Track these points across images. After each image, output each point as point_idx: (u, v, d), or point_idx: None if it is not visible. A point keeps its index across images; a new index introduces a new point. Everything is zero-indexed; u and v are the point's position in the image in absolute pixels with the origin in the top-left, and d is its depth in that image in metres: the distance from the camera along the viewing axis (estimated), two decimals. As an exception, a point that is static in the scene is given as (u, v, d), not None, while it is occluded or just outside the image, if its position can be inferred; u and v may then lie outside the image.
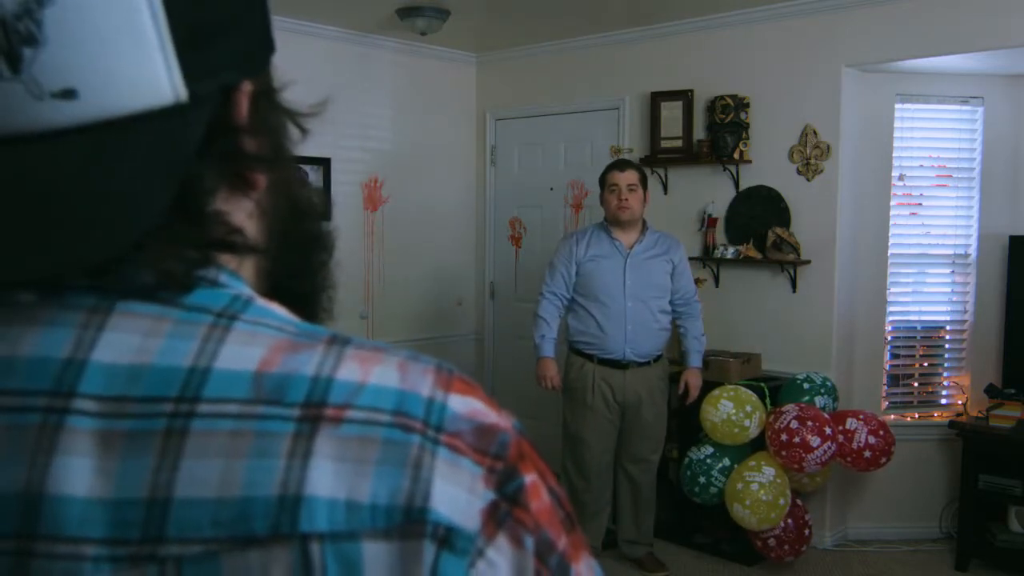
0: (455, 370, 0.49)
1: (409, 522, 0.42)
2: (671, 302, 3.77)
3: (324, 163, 4.55)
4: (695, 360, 3.78)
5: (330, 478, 0.42)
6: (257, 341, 0.46)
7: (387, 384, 0.45)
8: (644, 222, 3.79)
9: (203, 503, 0.42)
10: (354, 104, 4.70)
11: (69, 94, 0.42)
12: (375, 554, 0.42)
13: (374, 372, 0.46)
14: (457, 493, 0.43)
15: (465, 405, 0.46)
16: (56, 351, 0.44)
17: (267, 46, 0.51)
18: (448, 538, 0.43)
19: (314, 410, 0.43)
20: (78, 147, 0.42)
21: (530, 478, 0.46)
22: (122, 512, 0.42)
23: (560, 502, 0.49)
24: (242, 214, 0.51)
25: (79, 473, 0.42)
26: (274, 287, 0.56)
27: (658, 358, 3.78)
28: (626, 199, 3.67)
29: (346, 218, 4.67)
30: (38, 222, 0.42)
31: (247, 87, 0.49)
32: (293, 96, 0.55)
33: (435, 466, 0.43)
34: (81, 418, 0.43)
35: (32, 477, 0.42)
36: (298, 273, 0.58)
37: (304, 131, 0.55)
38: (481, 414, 0.46)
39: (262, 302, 0.49)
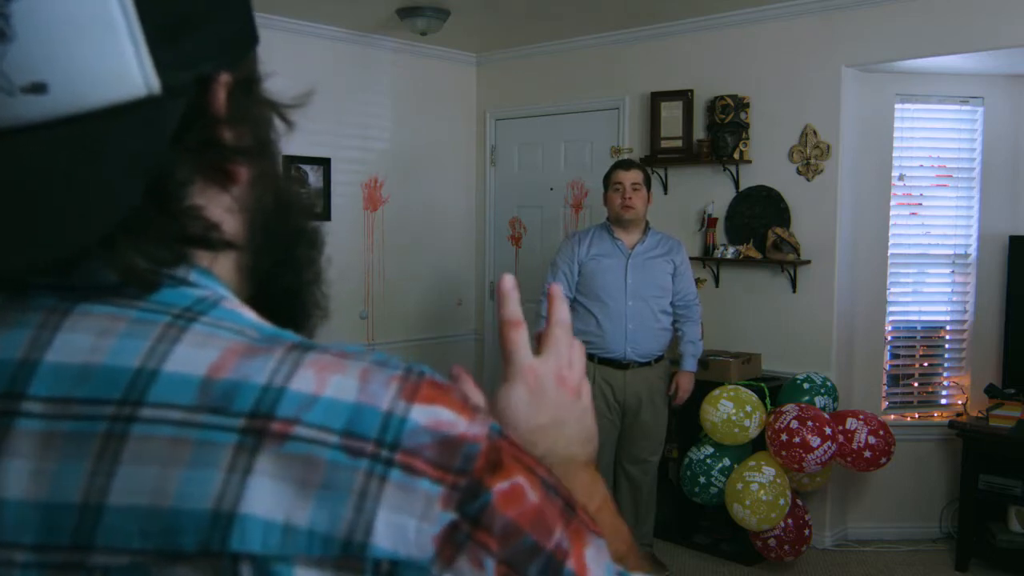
0: (426, 373, 0.46)
1: (346, 555, 0.40)
2: (672, 303, 3.77)
3: (324, 163, 4.55)
4: (689, 364, 3.78)
5: (269, 498, 0.40)
6: (212, 343, 0.44)
7: (342, 397, 0.43)
8: (646, 223, 3.80)
9: (134, 512, 0.40)
10: (354, 104, 4.70)
11: (39, 88, 0.41)
12: None
13: (331, 382, 0.43)
14: (405, 522, 0.41)
15: (429, 416, 0.43)
16: (12, 353, 0.44)
17: (248, 37, 0.50)
18: (394, 571, 0.41)
19: (260, 422, 0.41)
20: (48, 141, 0.42)
21: (501, 487, 0.43)
22: (54, 517, 0.41)
23: (556, 490, 0.46)
24: (220, 208, 0.50)
25: (18, 476, 0.41)
26: (260, 284, 0.54)
27: (659, 359, 3.78)
28: (630, 198, 3.67)
29: (346, 218, 4.67)
30: (3, 217, 0.41)
31: (224, 78, 0.48)
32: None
33: (382, 495, 0.41)
34: (28, 420, 0.42)
35: None
36: (284, 269, 0.56)
37: (289, 123, 0.54)
38: (446, 425, 0.44)
39: (231, 304, 0.48)
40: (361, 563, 0.40)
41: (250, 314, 0.48)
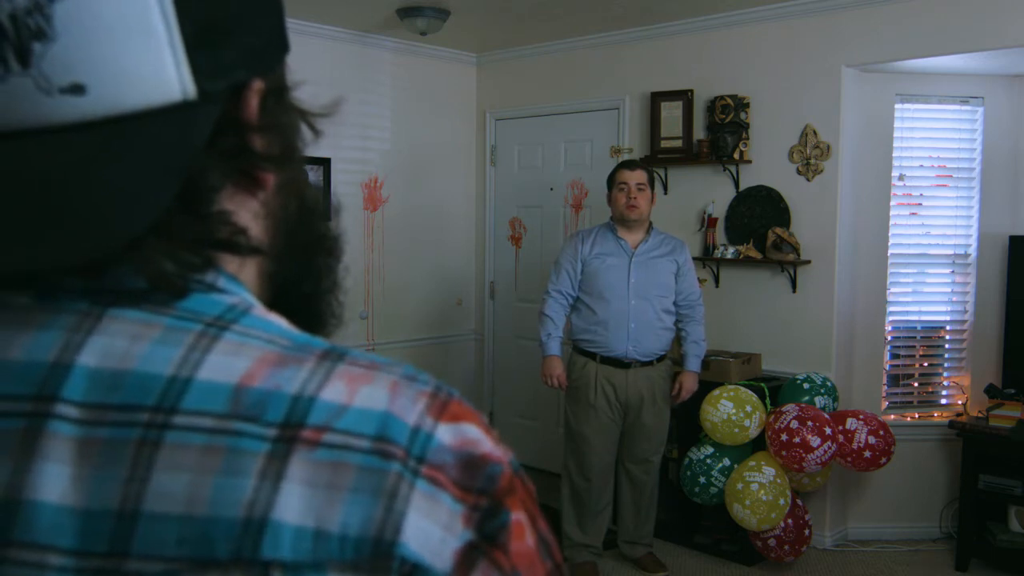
0: (455, 394, 0.47)
1: (377, 555, 0.41)
2: (675, 303, 3.77)
3: (324, 163, 4.55)
4: (693, 364, 3.78)
5: (300, 504, 0.41)
6: (244, 353, 0.44)
7: (372, 407, 0.44)
8: (650, 223, 3.80)
9: (169, 519, 0.40)
10: (354, 104, 4.70)
11: (78, 89, 0.42)
12: None
13: (361, 393, 0.44)
14: (431, 529, 0.42)
15: (455, 435, 0.44)
16: (44, 355, 0.44)
17: (280, 45, 0.51)
18: (413, 575, 0.41)
19: (291, 431, 0.42)
20: (83, 142, 0.42)
21: (516, 516, 0.44)
22: (92, 523, 0.41)
23: (550, 551, 0.47)
24: (248, 214, 0.50)
25: (55, 480, 0.41)
26: (279, 290, 0.55)
27: (661, 358, 3.77)
28: (635, 198, 3.68)
29: (346, 218, 4.67)
30: (35, 215, 0.41)
31: (257, 85, 0.49)
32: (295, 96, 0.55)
33: (411, 498, 0.42)
34: (62, 424, 0.42)
35: (12, 482, 0.41)
36: (303, 276, 0.57)
37: (316, 132, 0.55)
38: (472, 444, 0.44)
39: (260, 312, 0.48)
40: (389, 562, 0.41)
41: (280, 321, 0.49)
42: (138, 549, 0.40)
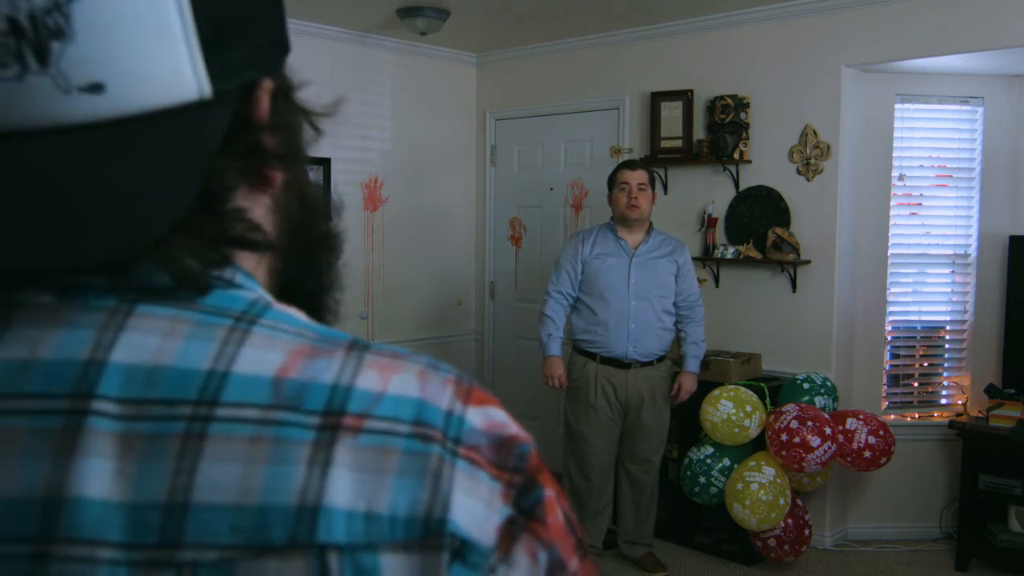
0: (475, 381, 0.49)
1: (428, 534, 0.42)
2: (674, 304, 3.77)
3: (324, 163, 4.55)
4: (692, 365, 3.77)
5: (349, 488, 0.42)
6: (276, 346, 0.45)
7: (406, 394, 0.45)
8: (650, 223, 3.80)
9: (221, 509, 0.41)
10: (354, 104, 4.70)
11: (96, 88, 0.42)
12: (394, 566, 0.42)
13: (393, 381, 0.46)
14: (475, 506, 0.43)
15: (484, 418, 0.46)
16: (76, 353, 0.44)
17: (283, 45, 0.52)
18: (462, 551, 0.43)
19: (333, 418, 0.43)
20: (101, 141, 0.43)
21: (548, 492, 0.46)
22: (140, 516, 0.41)
23: (573, 527, 0.49)
24: (261, 210, 0.51)
25: (98, 475, 0.42)
26: (283, 287, 0.56)
27: (661, 358, 3.78)
28: (636, 198, 3.68)
29: (346, 218, 4.65)
30: (35, 215, 0.42)
31: (268, 85, 0.50)
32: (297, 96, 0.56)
33: (454, 477, 0.43)
34: (101, 420, 0.42)
35: (53, 479, 0.42)
36: (305, 273, 0.58)
37: (318, 131, 0.56)
38: (500, 426, 0.46)
39: (280, 307, 0.49)
40: (440, 539, 0.42)
41: (299, 315, 0.50)
42: (190, 539, 0.41)
